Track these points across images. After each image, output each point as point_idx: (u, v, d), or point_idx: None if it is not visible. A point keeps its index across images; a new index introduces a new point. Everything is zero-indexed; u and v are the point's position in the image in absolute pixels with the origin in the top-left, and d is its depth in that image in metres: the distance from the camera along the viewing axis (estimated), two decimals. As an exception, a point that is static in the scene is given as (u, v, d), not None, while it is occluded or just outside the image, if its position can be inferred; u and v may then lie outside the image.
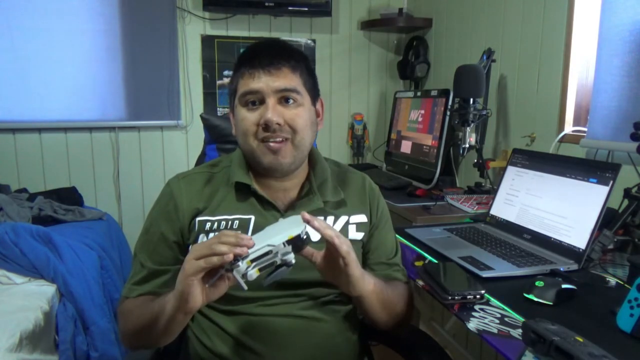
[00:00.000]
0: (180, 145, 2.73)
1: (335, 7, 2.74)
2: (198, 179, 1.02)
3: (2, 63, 2.41)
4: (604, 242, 1.15)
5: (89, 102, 2.56)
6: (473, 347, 2.16)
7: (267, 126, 0.92)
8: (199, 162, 1.62)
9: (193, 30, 2.67)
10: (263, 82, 0.93)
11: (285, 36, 2.78)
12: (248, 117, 0.94)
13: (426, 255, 1.25)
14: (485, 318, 0.90)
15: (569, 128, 1.72)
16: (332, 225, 1.01)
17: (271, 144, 0.93)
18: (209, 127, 1.61)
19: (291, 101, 0.95)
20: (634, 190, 1.22)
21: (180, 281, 0.77)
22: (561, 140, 1.71)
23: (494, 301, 0.97)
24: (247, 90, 0.94)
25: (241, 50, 2.70)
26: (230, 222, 0.96)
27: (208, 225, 0.96)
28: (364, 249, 1.06)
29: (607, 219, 1.17)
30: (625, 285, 1.04)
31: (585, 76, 1.71)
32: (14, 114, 2.46)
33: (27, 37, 2.43)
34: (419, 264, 1.18)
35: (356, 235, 1.03)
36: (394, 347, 1.12)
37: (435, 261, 1.19)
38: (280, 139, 0.94)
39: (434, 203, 1.85)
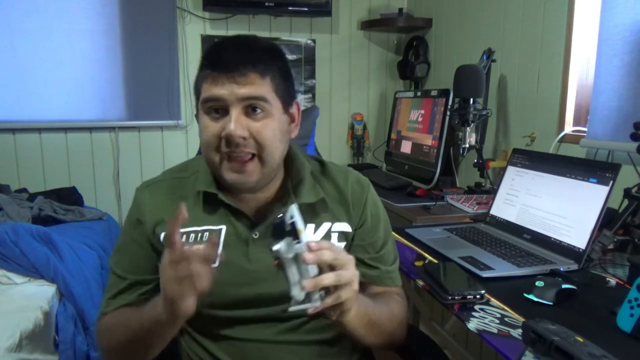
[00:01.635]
0: (180, 145, 2.73)
1: (335, 7, 2.74)
2: (164, 187, 0.95)
3: (2, 63, 2.41)
4: (604, 242, 1.15)
5: (89, 102, 2.56)
6: (473, 347, 2.16)
7: (228, 141, 0.82)
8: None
9: (193, 30, 2.67)
10: (227, 89, 0.82)
11: (285, 36, 2.79)
12: (210, 128, 0.84)
13: (426, 255, 1.25)
14: (485, 318, 0.90)
15: (569, 128, 1.72)
16: (312, 234, 0.92)
17: (232, 164, 0.84)
18: None
19: (258, 110, 0.84)
20: (634, 190, 1.22)
21: (165, 287, 0.72)
22: (561, 140, 1.71)
23: (494, 301, 0.97)
24: (209, 97, 0.83)
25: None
26: (199, 234, 0.90)
27: None
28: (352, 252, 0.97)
29: (607, 219, 1.17)
30: (625, 285, 1.04)
31: (585, 76, 1.71)
32: (14, 114, 2.46)
33: (27, 37, 2.43)
34: (419, 264, 1.18)
35: (338, 245, 0.94)
36: (401, 354, 1.11)
37: (435, 261, 1.19)
38: (245, 155, 0.84)
39: (434, 203, 1.85)
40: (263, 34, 2.75)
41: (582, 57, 1.70)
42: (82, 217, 2.33)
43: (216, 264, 0.86)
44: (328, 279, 0.68)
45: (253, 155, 0.84)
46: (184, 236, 0.90)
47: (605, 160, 1.53)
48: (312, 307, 0.68)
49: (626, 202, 1.23)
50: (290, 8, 2.63)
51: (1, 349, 1.42)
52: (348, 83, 2.94)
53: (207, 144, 0.85)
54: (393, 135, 2.55)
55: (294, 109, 0.92)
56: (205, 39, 2.68)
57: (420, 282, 1.08)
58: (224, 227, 0.91)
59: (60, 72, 2.49)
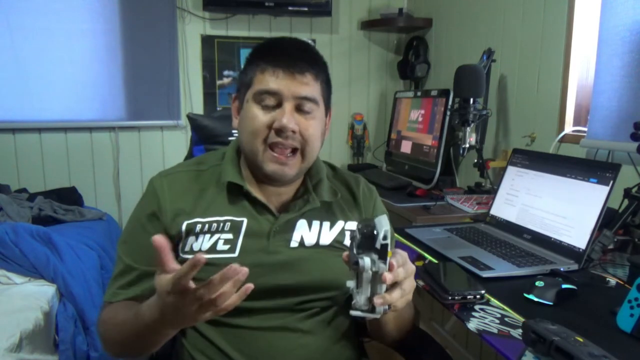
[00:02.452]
0: (180, 145, 2.73)
1: (335, 7, 2.74)
2: (183, 177, 0.96)
3: (2, 63, 2.41)
4: (604, 242, 1.15)
5: (89, 102, 2.56)
6: (473, 347, 2.16)
7: (280, 131, 0.87)
8: (186, 163, 1.56)
9: (193, 30, 2.67)
10: (284, 84, 0.87)
11: (285, 36, 2.78)
12: (260, 117, 0.88)
13: (426, 255, 1.25)
14: (485, 318, 0.90)
15: (569, 128, 1.72)
16: (329, 231, 0.97)
17: (278, 155, 0.88)
18: (196, 128, 1.55)
19: (307, 109, 0.89)
20: (634, 190, 1.22)
21: (162, 298, 0.70)
22: (561, 140, 1.71)
23: (494, 301, 0.97)
24: (265, 89, 0.87)
25: (241, 50, 2.71)
26: (222, 224, 0.92)
27: (198, 227, 0.91)
28: None
29: (607, 219, 1.17)
30: (625, 285, 1.04)
31: (585, 76, 1.71)
32: (14, 114, 2.46)
33: (27, 37, 2.43)
34: (419, 264, 1.18)
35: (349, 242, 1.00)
36: (397, 348, 1.11)
37: (435, 261, 1.19)
38: (289, 148, 0.89)
39: (434, 203, 1.85)
40: (263, 34, 2.75)
41: (582, 57, 1.70)
42: (82, 217, 2.33)
43: (236, 254, 0.90)
44: (396, 295, 0.70)
45: (296, 149, 0.89)
46: (207, 225, 0.91)
47: (605, 160, 1.53)
48: (372, 317, 0.71)
49: (626, 202, 1.23)
50: (290, 8, 2.63)
51: (1, 349, 1.42)
52: (348, 83, 2.94)
53: (254, 132, 0.88)
54: (393, 135, 2.55)
55: (328, 117, 0.99)
56: (205, 39, 2.69)
57: (420, 282, 1.08)
58: (245, 220, 0.93)
59: (60, 72, 2.49)
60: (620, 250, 1.25)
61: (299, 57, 0.89)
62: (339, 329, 0.98)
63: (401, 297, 0.71)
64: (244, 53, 2.74)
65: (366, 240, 0.69)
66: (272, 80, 0.87)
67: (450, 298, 0.95)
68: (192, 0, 2.64)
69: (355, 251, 0.69)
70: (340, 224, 0.99)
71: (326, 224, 0.97)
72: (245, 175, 0.95)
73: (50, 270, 1.80)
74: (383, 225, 0.68)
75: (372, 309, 0.70)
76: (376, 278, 0.69)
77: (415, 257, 1.24)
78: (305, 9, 2.64)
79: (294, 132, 0.87)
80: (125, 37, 2.57)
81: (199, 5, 2.61)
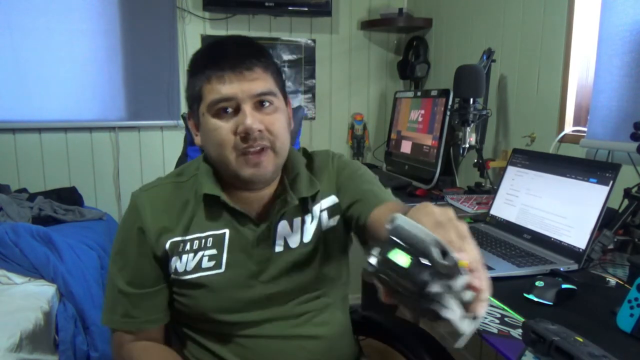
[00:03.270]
0: (180, 146, 2.69)
1: (335, 7, 2.74)
2: (163, 192, 0.92)
3: (2, 63, 2.41)
4: (604, 242, 1.15)
5: (89, 102, 2.56)
6: (473, 347, 2.16)
7: (247, 135, 0.82)
8: (179, 163, 1.54)
9: (193, 30, 2.67)
10: (236, 86, 0.82)
11: (285, 36, 2.78)
12: (222, 127, 0.83)
13: (426, 255, 1.24)
14: (485, 318, 0.90)
15: (569, 128, 1.71)
16: (311, 223, 0.93)
17: (251, 157, 0.84)
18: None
19: (267, 104, 0.85)
20: (634, 190, 1.22)
21: None
22: (561, 140, 1.71)
23: (494, 301, 0.97)
24: (219, 98, 0.82)
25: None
26: (204, 240, 0.89)
27: (181, 246, 0.89)
28: (346, 225, 0.96)
29: (607, 219, 1.17)
30: (625, 285, 1.04)
31: (585, 76, 1.71)
32: (14, 114, 2.46)
33: (27, 37, 2.42)
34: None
35: (330, 222, 0.95)
36: (394, 345, 1.12)
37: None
38: (260, 148, 0.84)
39: (434, 203, 1.84)
40: (263, 34, 2.75)
41: (582, 57, 1.70)
42: (82, 217, 2.33)
43: (222, 269, 0.88)
44: (487, 286, 0.52)
45: (266, 147, 0.85)
46: (189, 243, 0.89)
47: (605, 160, 1.53)
48: (474, 329, 0.52)
49: (626, 202, 1.23)
50: (290, 8, 2.63)
51: (1, 349, 1.42)
52: (348, 83, 2.94)
53: (221, 144, 0.84)
54: (393, 135, 2.55)
55: (288, 106, 0.94)
56: (205, 39, 2.68)
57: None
58: (227, 232, 0.90)
59: (60, 72, 2.49)
60: (620, 250, 1.26)
61: (242, 54, 0.84)
62: (337, 328, 0.98)
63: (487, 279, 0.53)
64: (244, 53, 2.73)
65: (420, 275, 0.47)
66: (222, 87, 0.82)
67: (450, 298, 0.94)
68: (192, 0, 2.63)
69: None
70: (317, 209, 0.95)
71: (307, 218, 0.94)
72: (224, 184, 0.91)
73: (50, 270, 1.80)
74: (418, 234, 0.47)
75: (473, 319, 0.51)
76: (457, 292, 0.49)
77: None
78: (305, 9, 2.64)
79: (260, 131, 0.83)
80: (125, 37, 2.57)
81: (199, 5, 2.61)
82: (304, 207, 0.93)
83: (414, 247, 0.48)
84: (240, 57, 0.83)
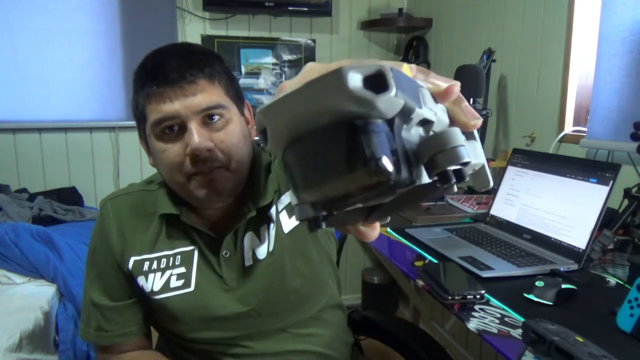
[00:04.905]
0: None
1: (335, 7, 2.74)
2: (128, 202, 0.87)
3: (2, 63, 2.41)
4: (604, 242, 1.15)
5: (89, 102, 2.56)
6: (473, 347, 2.16)
7: (195, 156, 0.74)
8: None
9: (193, 30, 2.67)
10: (178, 103, 0.73)
11: (285, 36, 2.78)
12: (169, 149, 0.75)
13: (426, 255, 1.25)
14: (485, 318, 0.90)
15: (569, 128, 1.72)
16: (273, 228, 0.85)
17: (203, 178, 0.76)
18: None
19: (216, 118, 0.76)
20: (634, 190, 1.22)
21: None
22: (561, 140, 1.71)
23: (494, 301, 0.97)
24: (161, 118, 0.74)
25: (241, 51, 2.71)
26: (171, 258, 0.84)
27: (146, 265, 0.84)
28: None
29: (607, 219, 1.17)
30: (625, 285, 1.04)
31: (585, 76, 1.71)
32: (14, 114, 2.46)
33: (27, 37, 2.43)
34: (419, 264, 1.18)
35: (291, 221, 0.86)
36: (393, 345, 1.12)
37: (435, 261, 1.19)
38: (214, 168, 0.76)
39: (434, 203, 1.85)
40: (263, 34, 2.75)
41: (582, 57, 1.70)
42: (82, 217, 2.33)
43: (192, 288, 0.83)
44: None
45: (220, 166, 0.77)
46: (155, 262, 0.84)
47: (605, 160, 1.53)
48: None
49: (626, 202, 1.23)
50: (290, 8, 2.63)
51: (1, 349, 1.42)
52: (348, 83, 2.94)
53: (169, 167, 0.76)
54: (393, 135, 2.54)
55: (246, 111, 0.86)
56: (205, 39, 2.68)
57: (420, 282, 1.08)
58: (195, 248, 0.85)
59: (60, 72, 2.49)
60: (620, 250, 1.26)
61: (182, 65, 0.74)
62: (328, 338, 0.93)
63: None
64: (244, 53, 2.74)
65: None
66: (163, 105, 0.73)
67: (450, 298, 0.95)
68: (192, 0, 2.64)
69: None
70: (273, 211, 0.87)
71: (272, 225, 0.86)
72: (184, 201, 0.84)
73: (50, 270, 1.80)
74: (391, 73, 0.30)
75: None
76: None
77: (415, 257, 1.24)
78: (305, 9, 2.64)
79: (209, 150, 0.74)
80: (126, 38, 2.57)
81: (199, 5, 2.61)
82: (267, 213, 0.86)
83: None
84: (180, 69, 0.74)
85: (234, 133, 0.78)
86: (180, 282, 0.84)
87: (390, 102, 0.27)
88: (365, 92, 0.26)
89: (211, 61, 0.78)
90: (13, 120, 2.47)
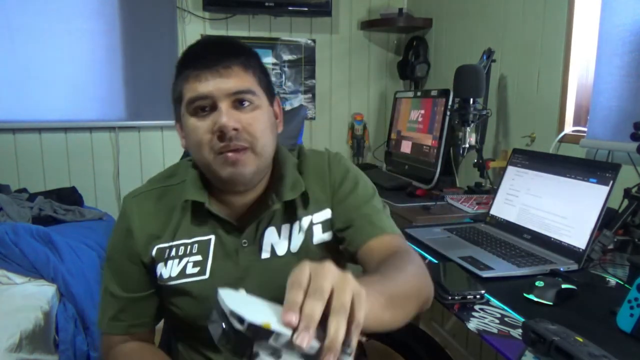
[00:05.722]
0: (180, 145, 2.72)
1: (335, 7, 2.74)
2: (150, 197, 0.92)
3: (2, 63, 2.41)
4: (604, 242, 1.15)
5: (89, 102, 2.56)
6: (473, 347, 2.16)
7: (222, 133, 0.79)
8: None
9: (193, 30, 2.67)
10: (212, 84, 0.80)
11: (285, 36, 2.78)
12: (200, 127, 0.82)
13: (426, 255, 1.25)
14: (485, 318, 0.90)
15: (569, 128, 1.72)
16: (298, 233, 0.89)
17: (229, 155, 0.81)
18: None
19: (247, 103, 0.82)
20: (634, 190, 1.22)
21: None
22: (561, 140, 1.71)
23: (494, 301, 0.97)
24: (195, 96, 0.81)
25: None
26: (189, 246, 0.88)
27: (167, 252, 0.88)
28: (339, 242, 0.91)
29: (607, 219, 1.17)
30: (625, 285, 1.04)
31: (585, 76, 1.71)
32: (14, 114, 2.46)
33: (27, 37, 2.43)
34: (419, 264, 1.18)
35: (323, 236, 0.91)
36: (393, 346, 1.12)
37: (435, 261, 1.19)
38: (239, 148, 0.81)
39: (434, 203, 1.85)
40: (263, 34, 2.75)
41: (582, 57, 1.70)
42: (82, 217, 2.33)
43: (207, 276, 0.87)
44: (338, 327, 0.46)
45: (245, 148, 0.82)
46: (174, 249, 0.88)
47: (605, 160, 1.53)
48: None
49: (626, 202, 1.23)
50: (290, 8, 2.63)
51: (1, 349, 1.42)
52: (348, 83, 2.94)
53: (198, 143, 0.83)
54: (393, 135, 2.55)
55: (276, 106, 0.92)
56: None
57: (420, 282, 1.08)
58: (212, 238, 0.89)
59: (60, 72, 2.49)
60: (620, 250, 1.25)
61: (220, 53, 0.83)
62: None
63: (343, 326, 0.47)
64: (244, 53, 2.74)
65: (240, 342, 0.46)
66: (198, 85, 0.81)
67: (450, 298, 0.95)
68: (192, 0, 2.64)
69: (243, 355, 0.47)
70: (307, 220, 0.90)
71: (295, 226, 0.90)
72: (212, 189, 0.89)
73: (50, 270, 1.80)
74: (222, 300, 0.48)
75: None
76: (292, 351, 0.46)
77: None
78: (305, 9, 2.64)
79: (236, 129, 0.80)
80: (125, 37, 2.57)
81: (199, 6, 2.61)
82: (293, 214, 0.90)
83: (222, 317, 0.48)
84: (217, 55, 0.82)
85: (261, 119, 0.84)
86: (196, 270, 0.87)
87: None
88: None
89: (247, 53, 0.86)
90: (13, 120, 2.47)
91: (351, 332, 0.48)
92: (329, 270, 0.50)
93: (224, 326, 0.48)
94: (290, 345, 0.46)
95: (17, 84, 2.44)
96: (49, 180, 2.58)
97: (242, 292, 0.54)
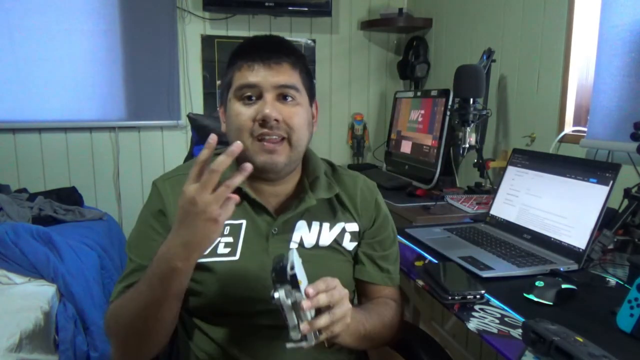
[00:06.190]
0: (180, 145, 2.73)
1: (335, 7, 2.74)
2: (184, 181, 0.95)
3: (2, 63, 2.41)
4: (604, 242, 1.15)
5: (89, 102, 2.56)
6: (473, 347, 2.16)
7: (264, 122, 0.87)
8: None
9: (193, 30, 2.67)
10: (262, 76, 0.88)
11: (285, 36, 2.77)
12: (243, 112, 0.89)
13: (426, 255, 1.25)
14: (485, 318, 0.90)
15: (569, 128, 1.72)
16: (328, 232, 0.97)
17: (266, 144, 0.88)
18: (197, 127, 1.56)
19: (289, 99, 0.90)
20: (634, 190, 1.22)
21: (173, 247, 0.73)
22: (561, 140, 1.71)
23: (494, 301, 0.97)
24: (244, 84, 0.89)
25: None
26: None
27: None
28: (360, 253, 1.02)
29: (607, 219, 1.17)
30: (625, 285, 1.04)
31: (585, 76, 1.71)
32: (14, 114, 2.46)
33: (27, 37, 2.43)
34: (419, 264, 1.18)
35: (350, 245, 0.99)
36: (393, 346, 1.12)
37: (435, 261, 1.19)
38: (277, 137, 0.89)
39: (434, 203, 1.85)
40: (263, 34, 2.75)
41: (582, 57, 1.70)
42: (82, 217, 2.33)
43: (237, 257, 0.91)
44: (323, 321, 0.73)
45: (283, 138, 0.89)
46: None
47: (605, 160, 1.53)
48: (307, 345, 0.73)
49: (626, 202, 1.23)
50: (290, 8, 2.63)
51: (1, 349, 1.42)
52: (348, 83, 2.94)
53: (240, 127, 0.89)
54: (393, 135, 2.55)
55: (314, 107, 1.00)
56: (205, 39, 2.69)
57: (420, 282, 1.08)
58: (244, 222, 0.93)
59: (60, 72, 2.49)
60: (620, 250, 1.25)
61: (274, 49, 0.91)
62: None
63: (332, 321, 0.73)
64: (244, 53, 2.74)
65: (278, 274, 0.71)
66: (249, 74, 0.89)
67: (450, 298, 0.95)
68: (192, 0, 2.64)
69: (273, 287, 0.72)
70: (340, 225, 0.99)
71: (326, 225, 0.97)
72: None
73: (50, 270, 1.80)
74: (290, 258, 0.72)
75: (305, 338, 0.72)
76: (297, 307, 0.71)
77: (415, 257, 1.24)
78: (305, 9, 2.64)
79: (277, 120, 0.87)
80: (125, 37, 2.57)
81: (199, 5, 2.61)
82: (326, 214, 0.97)
83: (286, 261, 0.73)
84: (271, 51, 0.90)
85: (301, 115, 0.91)
86: (227, 250, 0.92)
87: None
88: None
89: (297, 54, 0.94)
90: (13, 120, 2.47)
91: (327, 329, 0.74)
92: (346, 295, 0.78)
93: (281, 264, 0.71)
94: (297, 302, 0.71)
95: (17, 84, 2.44)
96: (49, 180, 2.58)
97: (300, 260, 0.76)
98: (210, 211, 0.70)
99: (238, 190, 0.90)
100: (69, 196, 2.47)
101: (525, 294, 0.97)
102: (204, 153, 0.70)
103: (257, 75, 0.88)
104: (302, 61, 0.95)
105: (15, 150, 2.52)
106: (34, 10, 2.42)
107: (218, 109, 1.00)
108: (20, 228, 1.90)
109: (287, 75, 0.90)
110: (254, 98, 0.89)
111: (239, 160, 0.90)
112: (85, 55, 2.52)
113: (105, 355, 1.81)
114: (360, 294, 1.05)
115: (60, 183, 2.57)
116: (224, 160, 0.70)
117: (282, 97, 0.90)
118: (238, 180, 0.71)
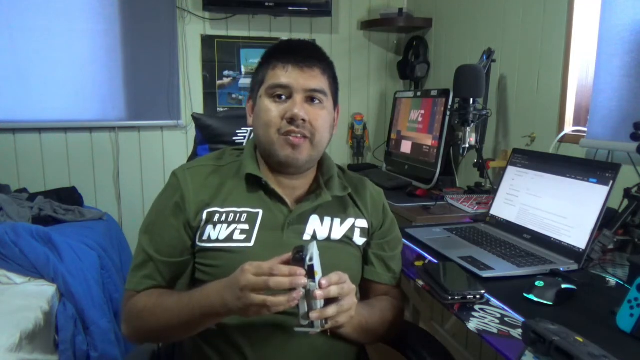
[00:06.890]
0: (180, 145, 2.73)
1: (335, 7, 2.74)
2: (204, 171, 1.02)
3: (2, 63, 2.41)
4: (604, 242, 1.15)
5: (89, 102, 2.56)
6: (473, 347, 2.16)
7: (292, 120, 0.94)
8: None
9: (193, 30, 2.67)
10: (294, 78, 0.95)
11: (285, 36, 2.78)
12: (273, 110, 0.95)
13: (426, 255, 1.25)
14: (485, 318, 0.90)
15: (569, 128, 1.72)
16: (339, 226, 1.02)
17: (291, 138, 0.94)
18: (201, 127, 1.57)
19: (317, 101, 0.97)
20: (634, 190, 1.22)
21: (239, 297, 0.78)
22: (561, 140, 1.71)
23: (494, 301, 0.97)
24: (277, 84, 0.95)
25: (241, 51, 2.72)
26: (238, 215, 0.97)
27: (217, 216, 0.96)
28: (369, 247, 1.07)
29: (607, 219, 1.17)
30: (625, 285, 1.04)
31: (585, 76, 1.71)
32: (14, 114, 2.46)
33: (27, 37, 2.43)
34: (419, 264, 1.18)
35: (359, 240, 1.04)
36: (394, 345, 1.12)
37: (435, 261, 1.19)
38: (301, 135, 0.95)
39: (434, 203, 1.85)
40: (263, 34, 2.75)
41: (582, 57, 1.70)
42: (82, 217, 2.33)
43: (252, 244, 0.94)
44: (331, 311, 0.79)
45: (306, 137, 0.96)
46: (224, 215, 0.97)
47: (605, 160, 1.53)
48: (314, 331, 0.80)
49: (626, 202, 1.23)
50: (290, 8, 2.63)
51: (1, 349, 1.42)
52: (348, 83, 2.94)
53: (268, 123, 0.95)
54: (393, 135, 2.55)
55: (336, 112, 1.06)
56: (205, 39, 2.69)
57: (420, 282, 1.08)
58: (261, 211, 0.98)
59: (60, 72, 2.49)
60: (620, 250, 1.25)
61: (307, 54, 0.97)
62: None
63: (338, 312, 0.80)
64: (244, 53, 2.74)
65: (297, 263, 0.77)
66: (282, 75, 0.95)
67: (450, 298, 0.95)
68: (192, 0, 2.64)
69: None
70: (350, 221, 1.03)
71: (337, 220, 1.02)
72: (262, 169, 1.01)
73: (50, 270, 1.80)
74: (309, 249, 0.79)
75: (312, 324, 0.78)
76: (309, 296, 0.77)
77: (415, 257, 1.24)
78: (305, 9, 2.64)
79: (304, 120, 0.94)
80: (125, 37, 2.57)
81: (199, 5, 2.61)
82: (336, 210, 1.03)
83: (306, 251, 0.79)
84: (304, 55, 0.96)
85: (325, 118, 0.98)
86: (243, 237, 0.96)
87: None
88: None
89: (328, 61, 1.02)
90: (13, 120, 2.47)
91: (333, 319, 0.81)
92: (354, 290, 0.85)
93: (301, 254, 0.77)
94: (310, 291, 0.77)
95: (17, 84, 2.44)
96: (49, 180, 2.58)
97: (318, 253, 0.81)
98: (246, 304, 0.78)
99: (256, 181, 0.99)
100: (69, 196, 2.47)
101: (525, 294, 0.97)
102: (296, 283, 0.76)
103: (290, 76, 0.95)
104: (332, 68, 1.02)
105: (15, 150, 2.52)
106: (34, 10, 2.42)
107: (246, 103, 1.06)
108: (20, 228, 1.90)
109: (318, 80, 0.97)
110: (284, 97, 0.95)
111: (263, 154, 1.00)
112: (85, 55, 2.52)
113: (105, 355, 1.81)
114: (365, 290, 1.08)
115: (60, 183, 2.57)
116: (283, 284, 0.75)
117: (310, 100, 0.96)
118: None
